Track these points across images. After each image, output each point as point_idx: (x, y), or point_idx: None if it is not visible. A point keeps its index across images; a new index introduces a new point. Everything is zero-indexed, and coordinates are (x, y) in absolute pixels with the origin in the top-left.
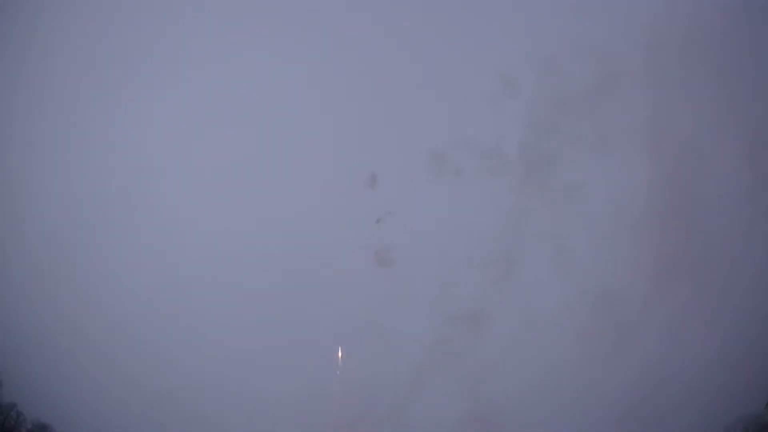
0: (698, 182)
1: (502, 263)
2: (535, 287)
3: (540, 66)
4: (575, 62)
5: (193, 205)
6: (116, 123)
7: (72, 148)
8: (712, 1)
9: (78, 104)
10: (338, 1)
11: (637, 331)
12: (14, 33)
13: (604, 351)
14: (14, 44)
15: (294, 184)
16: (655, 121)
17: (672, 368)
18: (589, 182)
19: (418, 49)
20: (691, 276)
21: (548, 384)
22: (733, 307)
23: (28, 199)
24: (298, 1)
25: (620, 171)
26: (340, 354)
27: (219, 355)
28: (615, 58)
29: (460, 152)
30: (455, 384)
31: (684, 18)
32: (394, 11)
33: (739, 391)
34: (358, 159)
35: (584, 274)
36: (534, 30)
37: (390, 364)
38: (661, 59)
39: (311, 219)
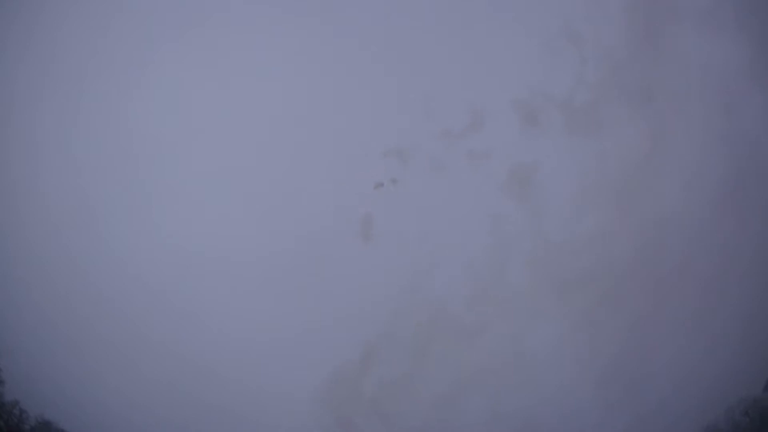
0: None
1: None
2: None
3: None
4: None
5: (199, 198)
6: (122, 116)
7: (78, 143)
8: None
9: (83, 98)
10: None
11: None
12: (18, 30)
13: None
14: (18, 41)
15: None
16: None
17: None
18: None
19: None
20: None
21: None
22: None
23: (32, 194)
24: None
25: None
26: None
27: (223, 346)
28: None
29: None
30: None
31: None
32: None
33: (739, 374)
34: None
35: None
36: None
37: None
38: None
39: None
